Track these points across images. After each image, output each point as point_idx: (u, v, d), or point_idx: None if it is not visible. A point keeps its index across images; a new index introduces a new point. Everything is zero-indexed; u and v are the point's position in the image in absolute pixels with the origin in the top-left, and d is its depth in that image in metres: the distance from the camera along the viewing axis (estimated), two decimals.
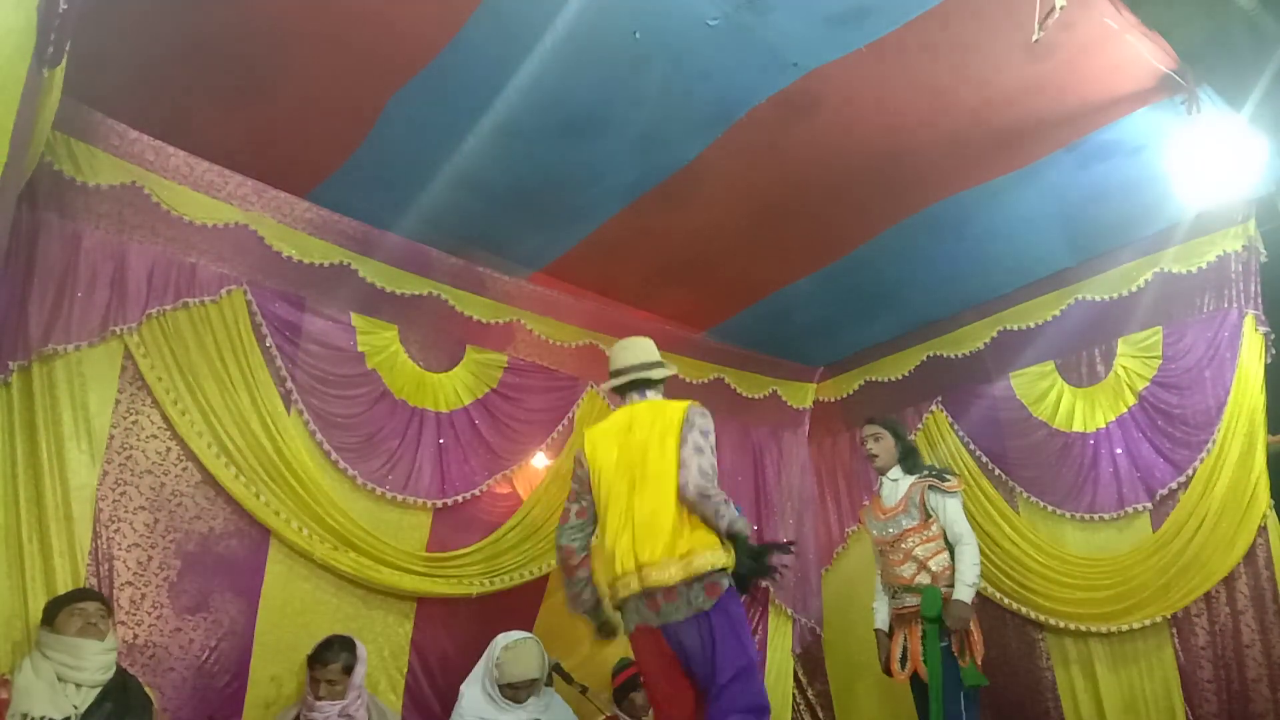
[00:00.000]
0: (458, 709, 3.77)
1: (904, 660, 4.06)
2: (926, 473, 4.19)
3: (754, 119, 3.58)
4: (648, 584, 2.96)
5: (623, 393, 3.38)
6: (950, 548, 4.02)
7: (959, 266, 4.68)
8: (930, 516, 4.05)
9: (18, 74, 2.23)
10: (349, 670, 3.50)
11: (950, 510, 4.04)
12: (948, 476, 4.18)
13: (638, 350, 3.44)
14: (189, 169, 3.77)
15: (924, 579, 3.98)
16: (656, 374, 3.38)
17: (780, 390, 5.87)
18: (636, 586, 2.99)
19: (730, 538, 3.02)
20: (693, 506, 2.98)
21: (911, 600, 4.02)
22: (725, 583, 2.97)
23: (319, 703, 3.42)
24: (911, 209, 4.24)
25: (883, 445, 4.27)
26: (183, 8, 3.04)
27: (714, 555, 2.95)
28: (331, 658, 3.50)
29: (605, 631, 3.36)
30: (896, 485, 4.21)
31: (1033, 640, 4.56)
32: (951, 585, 3.94)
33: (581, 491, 3.32)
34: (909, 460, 4.25)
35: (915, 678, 4.05)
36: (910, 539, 4.06)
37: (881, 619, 4.26)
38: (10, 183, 2.66)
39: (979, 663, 3.90)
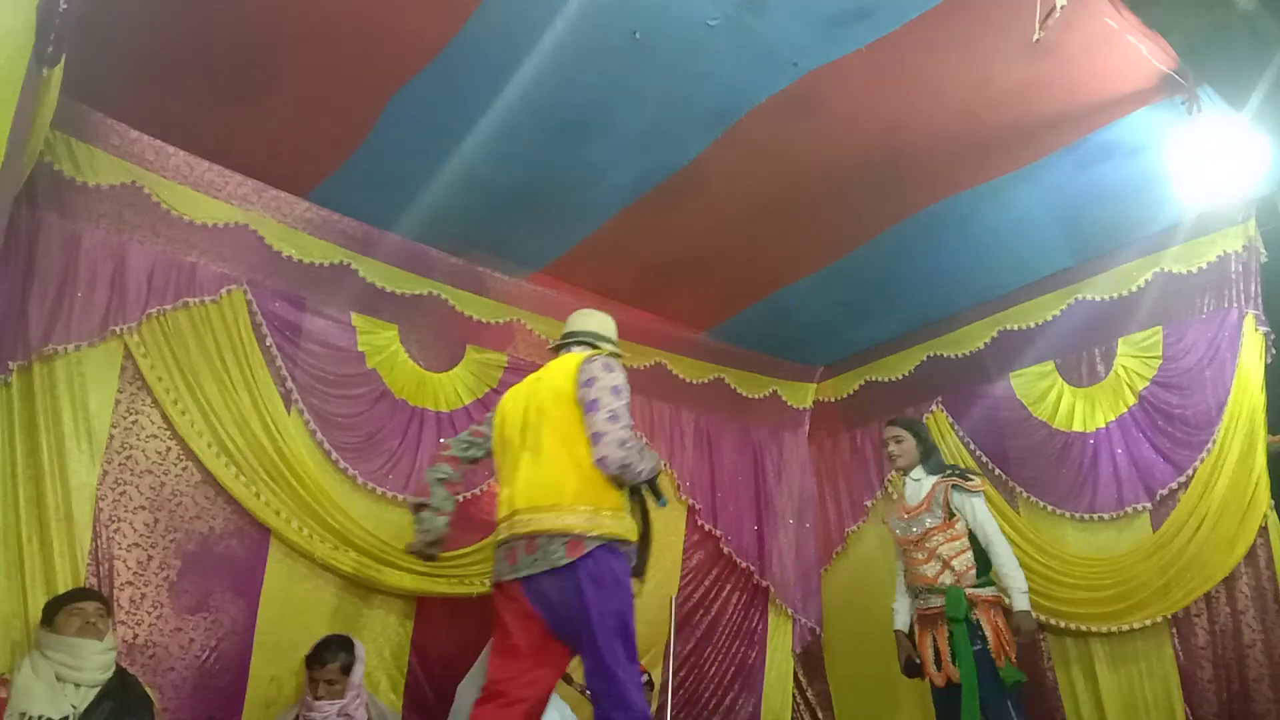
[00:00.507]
0: (455, 709, 3.77)
1: (937, 662, 3.96)
2: (950, 472, 4.15)
3: (754, 119, 3.58)
4: (513, 533, 2.88)
5: (557, 351, 3.30)
6: (974, 547, 3.97)
7: (959, 266, 4.68)
8: (954, 515, 4.01)
9: (16, 73, 2.23)
10: (347, 670, 3.50)
11: (979, 511, 3.99)
12: (971, 476, 4.14)
13: (591, 321, 3.34)
14: (189, 169, 3.77)
15: (947, 579, 3.92)
16: (601, 345, 3.23)
17: (780, 390, 5.87)
18: (504, 535, 2.92)
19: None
20: (616, 480, 2.86)
21: (936, 601, 3.97)
22: (589, 546, 2.77)
23: (317, 702, 3.41)
24: (911, 209, 4.24)
25: (904, 447, 4.24)
26: (183, 8, 3.04)
27: (590, 521, 2.79)
28: (330, 658, 3.49)
29: (418, 551, 3.31)
30: (919, 485, 4.17)
31: (1034, 640, 4.55)
32: (976, 586, 3.89)
33: (485, 429, 3.31)
34: (931, 460, 4.22)
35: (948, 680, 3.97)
36: (934, 538, 4.00)
37: (902, 620, 4.20)
38: (8, 182, 2.66)
39: (1014, 659, 3.82)
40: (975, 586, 3.89)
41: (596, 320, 3.36)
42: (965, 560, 3.95)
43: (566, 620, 2.80)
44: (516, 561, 2.87)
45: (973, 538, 3.98)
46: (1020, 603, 3.79)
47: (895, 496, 4.55)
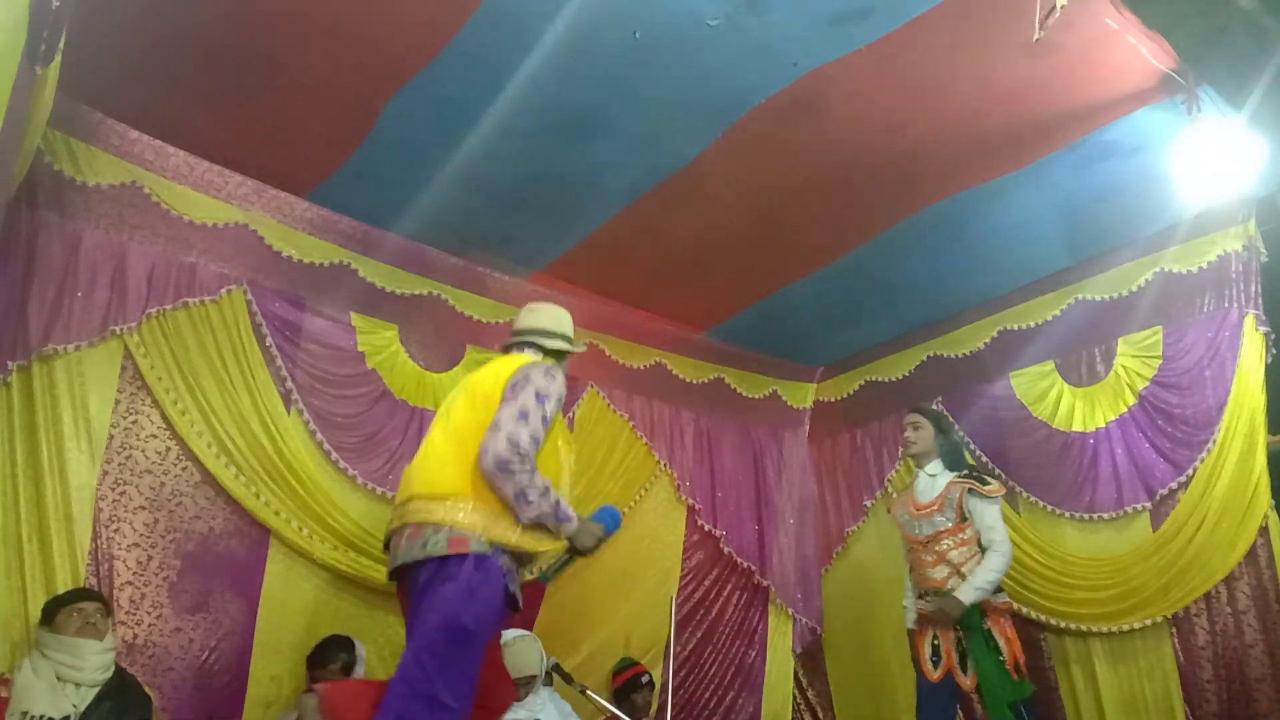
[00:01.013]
0: None
1: (935, 660, 3.86)
2: (968, 473, 3.98)
3: (754, 119, 3.58)
4: (402, 520, 2.73)
5: (506, 350, 3.16)
6: (983, 551, 3.86)
7: (959, 266, 4.68)
8: (966, 520, 3.87)
9: (7, 71, 2.22)
10: (348, 670, 3.52)
11: (990, 516, 3.86)
12: (989, 480, 3.97)
13: (542, 317, 3.19)
14: (189, 169, 3.77)
15: (956, 584, 3.80)
16: (549, 344, 3.11)
17: (780, 390, 5.87)
18: (396, 522, 2.78)
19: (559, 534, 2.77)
20: (489, 480, 2.63)
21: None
22: (474, 547, 2.59)
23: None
24: (912, 209, 4.24)
25: (921, 434, 4.07)
26: (183, 8, 3.04)
27: (472, 519, 2.60)
28: (330, 658, 3.51)
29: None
30: (934, 481, 3.99)
31: (1034, 640, 4.56)
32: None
33: None
34: (950, 456, 4.04)
35: (947, 681, 3.83)
36: (945, 541, 3.88)
37: (914, 618, 4.07)
38: (2, 181, 2.66)
39: (1022, 670, 3.75)
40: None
41: (548, 315, 3.20)
42: (973, 565, 3.83)
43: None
44: (398, 550, 2.71)
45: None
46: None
47: (904, 487, 4.39)
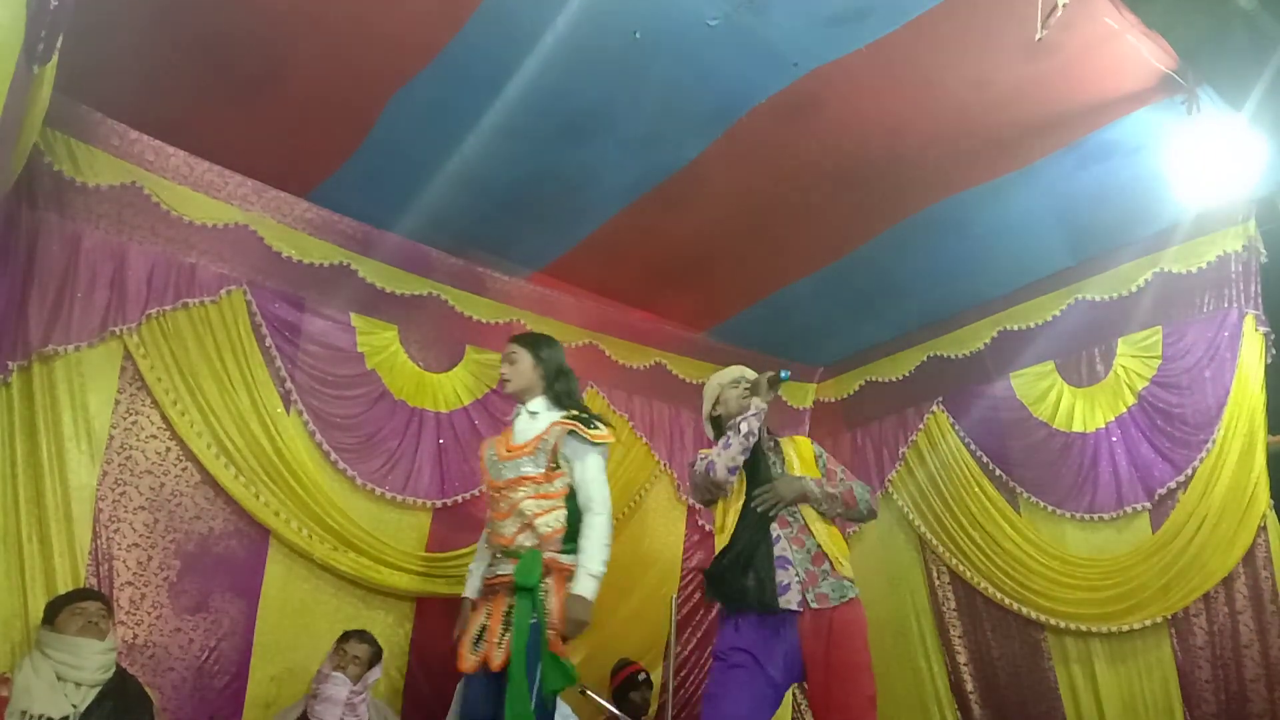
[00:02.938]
0: (454, 707, 3.77)
1: (478, 642, 3.08)
2: (577, 414, 3.25)
3: (754, 119, 3.58)
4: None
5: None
6: (572, 509, 3.15)
7: (959, 266, 4.67)
8: (559, 467, 3.17)
9: (4, 70, 2.22)
10: (372, 662, 3.59)
11: (591, 466, 3.16)
12: (598, 424, 3.23)
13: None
14: (189, 169, 3.77)
15: (527, 540, 3.08)
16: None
17: (780, 391, 5.85)
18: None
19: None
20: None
21: (507, 569, 3.09)
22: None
23: (335, 673, 3.48)
24: (911, 209, 4.23)
25: (518, 369, 3.32)
26: (183, 9, 3.04)
27: None
28: (368, 640, 3.62)
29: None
30: (534, 421, 3.27)
31: (1035, 640, 4.56)
32: (562, 552, 3.07)
33: None
34: (557, 390, 3.31)
35: (484, 670, 3.04)
36: (523, 488, 3.14)
37: (473, 586, 3.33)
38: None
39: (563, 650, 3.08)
40: (561, 553, 3.08)
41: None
42: (554, 520, 3.10)
43: None
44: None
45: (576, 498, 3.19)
46: (584, 586, 3.00)
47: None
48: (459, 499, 4.37)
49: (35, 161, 3.34)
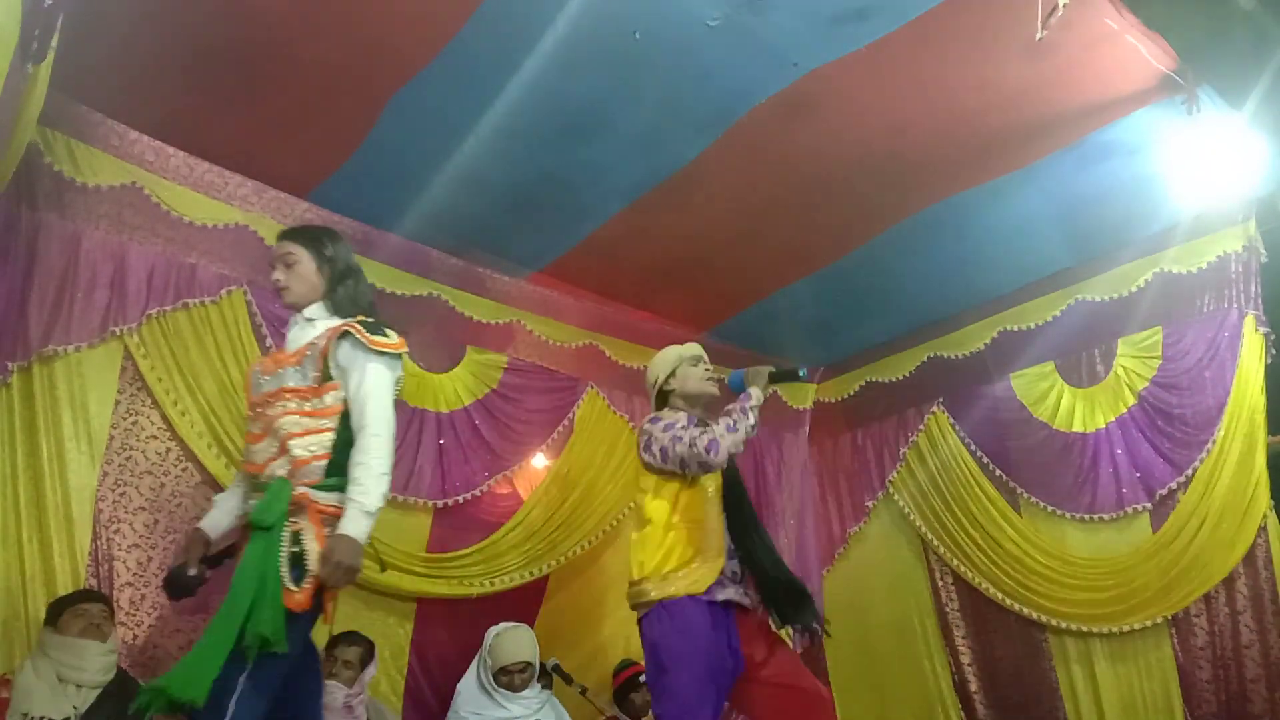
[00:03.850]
0: (454, 706, 3.78)
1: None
2: (362, 320, 2.53)
3: (754, 119, 3.58)
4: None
5: None
6: (343, 434, 2.46)
7: (959, 266, 4.67)
8: (331, 379, 2.47)
9: None
10: (365, 662, 3.58)
11: (370, 378, 2.46)
12: (386, 330, 2.53)
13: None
14: (189, 169, 3.77)
15: (280, 468, 2.40)
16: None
17: (780, 391, 5.86)
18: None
19: None
20: None
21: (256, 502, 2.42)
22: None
23: (329, 682, 3.45)
24: (911, 209, 4.23)
25: (298, 274, 2.61)
26: (183, 8, 3.04)
27: None
28: (358, 641, 3.60)
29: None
30: (309, 328, 2.59)
31: (1036, 641, 4.56)
32: (321, 488, 2.38)
33: None
34: (339, 296, 2.61)
35: None
36: (281, 404, 2.45)
37: (210, 519, 2.63)
38: None
39: (328, 612, 2.37)
40: (319, 487, 2.38)
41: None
42: (315, 444, 2.42)
43: None
44: None
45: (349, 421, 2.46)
46: (354, 524, 2.30)
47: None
48: (459, 499, 4.36)
49: (35, 161, 3.34)
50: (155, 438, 3.63)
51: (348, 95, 3.45)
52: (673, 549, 2.87)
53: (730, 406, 2.95)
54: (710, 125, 3.66)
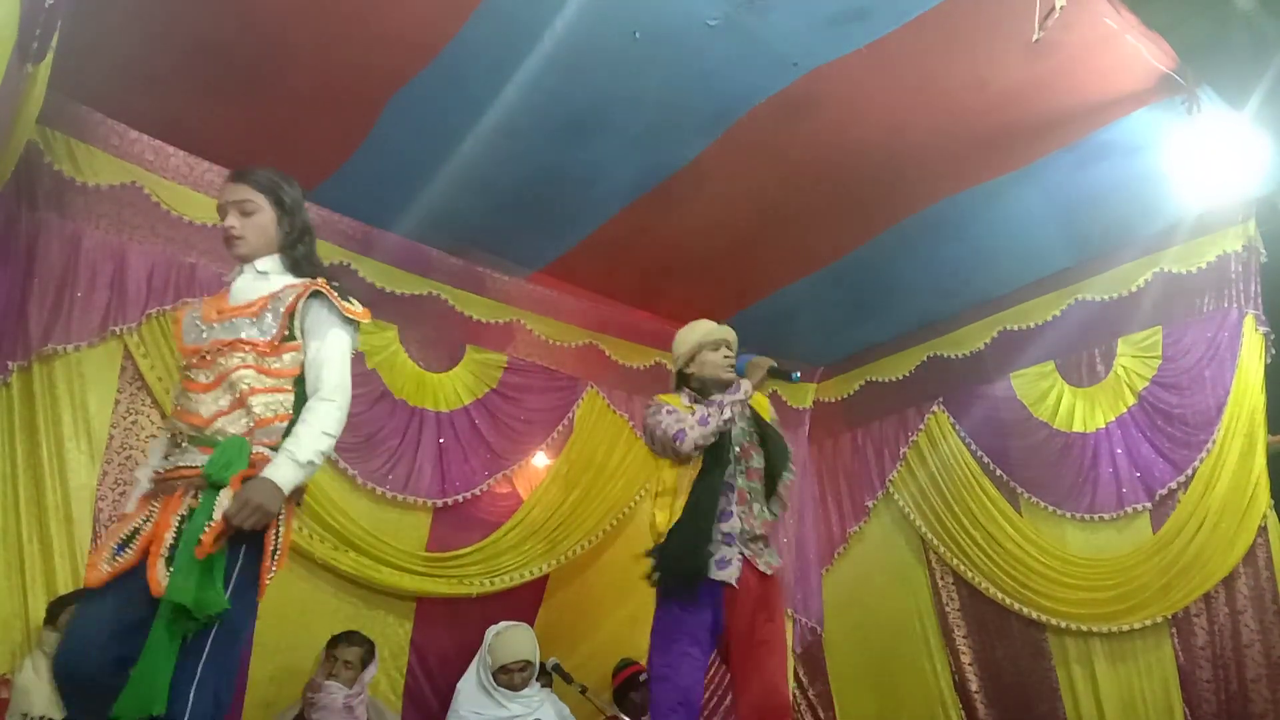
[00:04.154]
0: (454, 705, 3.78)
1: (126, 544, 2.10)
2: (333, 285, 2.39)
3: (754, 119, 3.58)
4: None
5: None
6: (300, 394, 2.29)
7: (959, 266, 4.67)
8: (296, 339, 2.32)
9: None
10: (365, 662, 3.58)
11: (333, 345, 2.34)
12: (352, 299, 2.41)
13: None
14: (189, 169, 3.77)
15: (233, 425, 2.21)
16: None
17: (780, 390, 5.86)
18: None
19: None
20: None
21: (194, 459, 2.17)
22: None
23: (328, 682, 3.45)
24: (911, 209, 4.23)
25: (256, 223, 2.40)
26: (183, 8, 3.04)
27: None
28: (358, 642, 3.59)
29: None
30: (264, 280, 2.39)
31: (1037, 641, 4.56)
32: (278, 444, 2.19)
33: None
34: (299, 254, 2.44)
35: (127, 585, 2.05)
36: (239, 355, 2.26)
37: (143, 487, 2.29)
38: None
39: (263, 584, 2.19)
40: (276, 449, 2.18)
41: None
42: (277, 405, 2.25)
43: None
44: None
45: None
46: (282, 471, 2.11)
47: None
48: (459, 499, 4.37)
49: (35, 161, 3.34)
50: (155, 437, 3.63)
51: (348, 95, 3.45)
52: (676, 514, 3.02)
53: (714, 397, 3.03)
54: (710, 125, 3.66)
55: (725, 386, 3.09)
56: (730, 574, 2.94)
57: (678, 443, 2.94)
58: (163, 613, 1.95)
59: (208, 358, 2.29)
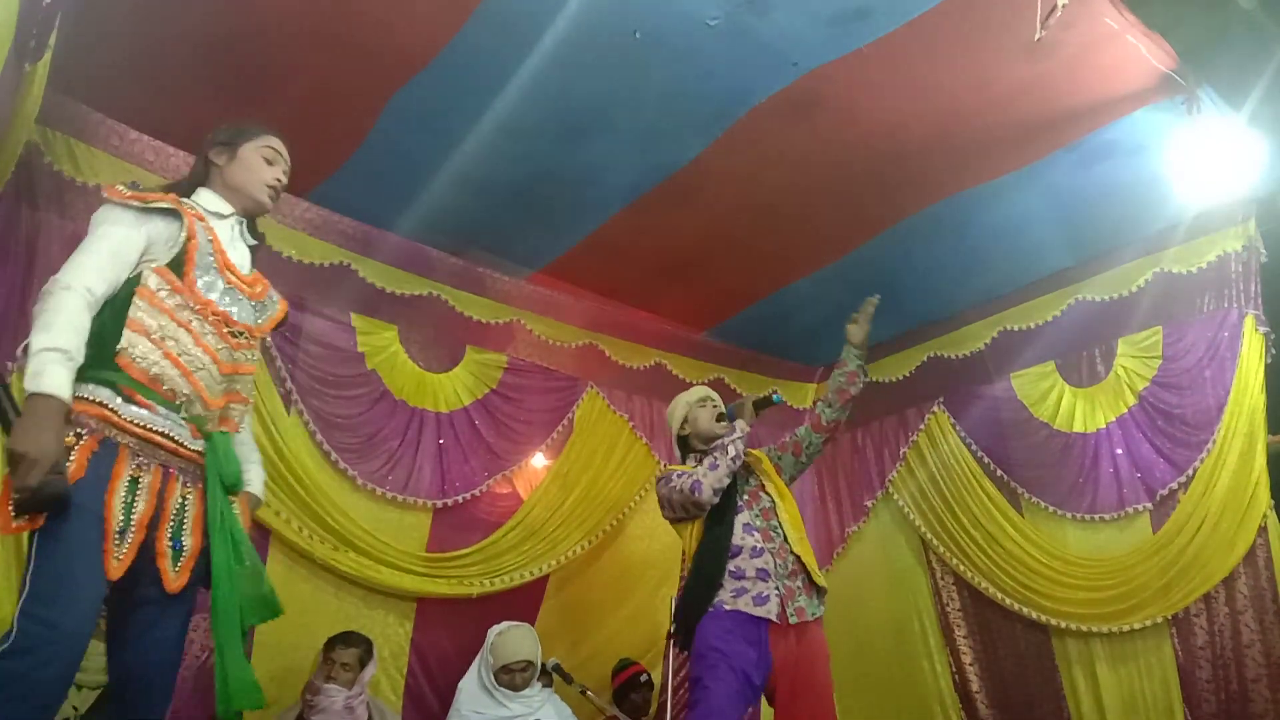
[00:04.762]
0: (455, 704, 3.78)
1: (126, 533, 2.02)
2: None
3: (754, 119, 3.58)
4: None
5: None
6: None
7: (959, 266, 4.67)
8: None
9: None
10: (364, 663, 3.57)
11: None
12: None
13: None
14: (189, 169, 3.76)
15: (232, 418, 2.17)
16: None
17: (780, 391, 5.85)
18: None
19: None
20: None
21: (192, 443, 2.06)
22: None
23: (327, 685, 3.45)
24: (911, 209, 4.24)
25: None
26: (183, 8, 3.04)
27: None
28: (355, 642, 3.59)
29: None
30: (243, 245, 2.39)
31: (1036, 641, 4.56)
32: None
33: None
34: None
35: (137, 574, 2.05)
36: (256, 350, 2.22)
37: (62, 379, 1.97)
38: None
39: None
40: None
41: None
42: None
43: None
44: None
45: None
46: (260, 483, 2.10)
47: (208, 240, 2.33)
48: (459, 499, 4.37)
49: (35, 161, 3.34)
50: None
51: (348, 95, 3.45)
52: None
53: (715, 443, 3.15)
54: (710, 125, 3.66)
55: (720, 436, 3.20)
56: (770, 610, 2.92)
57: (695, 493, 3.00)
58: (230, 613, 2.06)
59: (253, 339, 2.18)
